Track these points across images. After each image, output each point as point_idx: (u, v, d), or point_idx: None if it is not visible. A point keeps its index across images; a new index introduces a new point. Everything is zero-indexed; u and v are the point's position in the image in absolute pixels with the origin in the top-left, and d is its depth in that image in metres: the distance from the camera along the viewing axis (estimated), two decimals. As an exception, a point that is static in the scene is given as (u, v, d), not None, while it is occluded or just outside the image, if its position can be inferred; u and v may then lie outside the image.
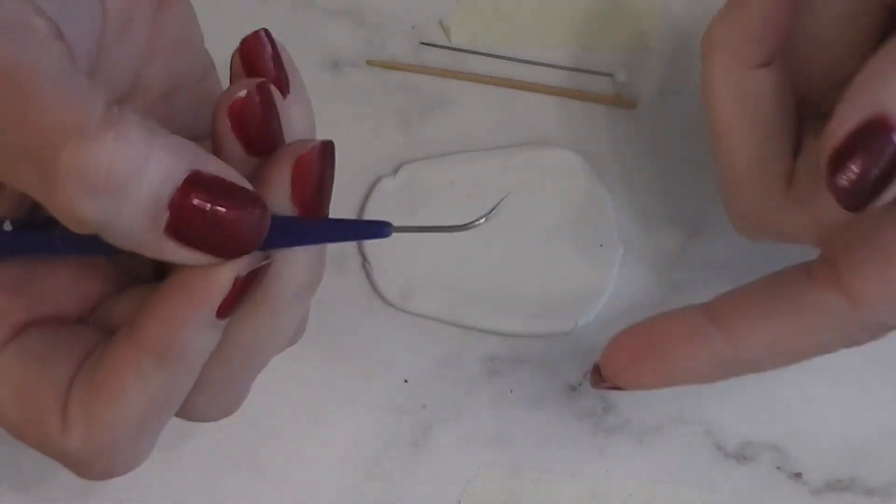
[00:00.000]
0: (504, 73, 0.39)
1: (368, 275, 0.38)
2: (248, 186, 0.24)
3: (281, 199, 0.24)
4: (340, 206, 0.38)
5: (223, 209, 0.23)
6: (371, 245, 0.38)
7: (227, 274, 0.23)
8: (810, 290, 0.29)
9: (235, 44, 0.38)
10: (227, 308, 0.24)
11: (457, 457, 0.38)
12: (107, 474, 0.26)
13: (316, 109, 0.39)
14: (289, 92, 0.26)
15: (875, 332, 0.29)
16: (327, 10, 0.39)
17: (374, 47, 0.39)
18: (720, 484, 0.38)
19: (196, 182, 0.22)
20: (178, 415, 0.27)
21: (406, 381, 0.38)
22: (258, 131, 0.25)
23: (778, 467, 0.38)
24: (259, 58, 0.26)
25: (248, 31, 0.39)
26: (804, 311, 0.29)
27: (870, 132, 0.25)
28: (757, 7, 0.29)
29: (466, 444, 0.38)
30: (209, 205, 0.23)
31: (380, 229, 0.25)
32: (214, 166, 0.23)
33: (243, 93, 0.24)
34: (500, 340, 0.38)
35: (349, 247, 0.38)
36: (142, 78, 0.28)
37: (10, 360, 0.25)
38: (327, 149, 0.25)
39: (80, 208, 0.21)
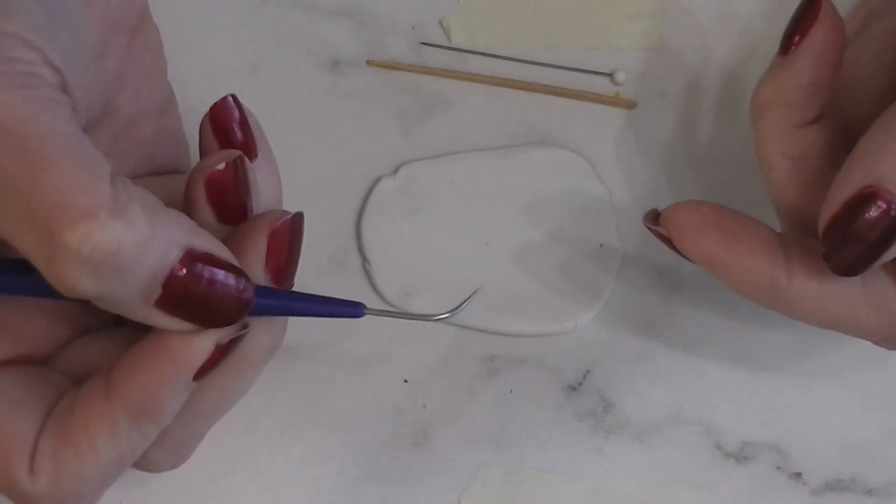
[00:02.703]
0: (504, 73, 0.39)
1: (368, 275, 0.38)
2: (236, 261, 0.25)
3: (255, 268, 0.26)
4: (341, 206, 0.38)
5: (213, 285, 0.24)
6: (371, 245, 0.38)
7: (209, 341, 0.25)
8: (878, 273, 0.29)
9: (237, 45, 0.39)
10: (205, 371, 0.25)
11: (457, 457, 0.38)
12: None
13: (316, 109, 0.39)
14: (256, 155, 0.28)
15: None
16: (327, 10, 0.39)
17: (374, 47, 0.39)
18: (720, 484, 0.38)
19: (190, 259, 0.24)
20: (133, 465, 0.27)
21: (406, 381, 0.38)
22: (232, 202, 0.26)
23: (778, 467, 0.38)
24: (228, 124, 0.27)
25: (249, 31, 0.39)
26: (867, 288, 0.29)
27: (863, 203, 0.26)
28: (804, 67, 0.30)
29: (466, 444, 0.38)
30: (201, 281, 0.24)
31: (353, 310, 0.27)
32: (206, 243, 0.24)
33: (221, 166, 0.26)
34: (500, 340, 0.38)
35: (349, 247, 0.38)
36: (111, 106, 0.29)
37: None
38: (297, 221, 0.27)
39: (80, 285, 0.22)
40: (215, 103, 0.27)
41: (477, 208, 0.38)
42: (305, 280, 0.38)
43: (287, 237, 0.26)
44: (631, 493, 0.38)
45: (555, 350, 0.38)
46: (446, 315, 0.29)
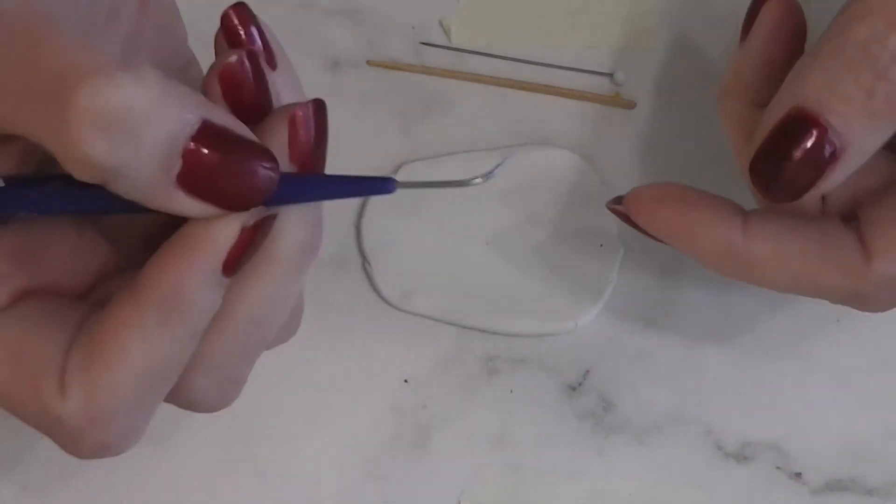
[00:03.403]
0: (504, 73, 0.39)
1: (368, 275, 0.38)
2: (257, 139, 0.23)
3: (279, 155, 0.24)
4: (341, 206, 0.38)
5: (234, 158, 0.23)
6: (371, 245, 0.38)
7: (233, 225, 0.23)
8: (837, 230, 0.30)
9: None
10: (233, 263, 0.24)
11: (457, 457, 0.38)
12: (100, 447, 0.25)
13: (316, 109, 0.39)
14: (276, 65, 0.26)
15: (879, 288, 0.30)
16: (327, 10, 0.39)
17: (374, 47, 0.39)
18: (720, 484, 0.38)
19: (209, 132, 0.22)
20: (176, 402, 0.26)
21: (406, 381, 0.38)
22: (248, 96, 0.25)
23: (778, 467, 0.38)
24: (244, 31, 0.26)
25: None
26: (824, 243, 0.29)
27: (789, 125, 0.27)
28: (757, 47, 0.31)
29: (466, 444, 0.38)
30: (222, 155, 0.22)
31: (384, 185, 0.25)
32: (226, 119, 0.23)
33: (233, 58, 0.24)
34: (500, 340, 0.38)
35: (349, 247, 0.38)
36: None
37: (5, 325, 0.24)
38: (320, 106, 0.25)
39: (95, 150, 0.21)
40: (226, 11, 0.26)
41: (477, 208, 0.38)
42: (306, 280, 0.38)
43: (310, 122, 0.25)
44: (631, 493, 0.38)
45: (555, 350, 0.38)
46: (479, 181, 0.27)
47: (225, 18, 0.26)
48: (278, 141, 0.24)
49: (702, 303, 0.38)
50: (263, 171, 0.23)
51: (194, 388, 0.26)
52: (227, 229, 0.23)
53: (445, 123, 0.39)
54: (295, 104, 0.25)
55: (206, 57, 0.27)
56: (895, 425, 0.38)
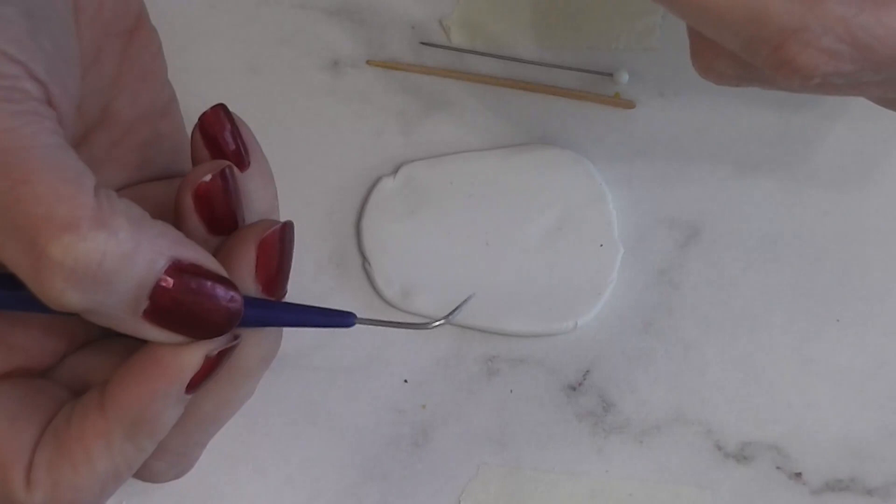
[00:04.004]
0: (504, 73, 0.39)
1: (368, 275, 0.38)
2: (224, 272, 0.25)
3: (245, 278, 0.26)
4: (341, 206, 0.38)
5: (201, 295, 0.24)
6: (371, 245, 0.38)
7: (198, 353, 0.25)
8: None
9: (237, 45, 0.39)
10: (196, 384, 0.25)
11: (457, 457, 0.38)
12: None
13: (316, 109, 0.39)
14: (249, 164, 0.27)
15: (824, 29, 0.25)
16: (327, 10, 0.39)
17: (374, 47, 0.39)
18: (720, 484, 0.38)
19: (176, 270, 0.23)
20: (135, 476, 0.27)
21: (406, 381, 0.38)
22: (221, 213, 0.26)
23: (778, 467, 0.38)
24: (219, 133, 0.27)
25: (249, 31, 0.39)
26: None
27: None
28: None
29: (466, 444, 0.38)
30: (188, 293, 0.24)
31: (344, 320, 0.27)
32: (193, 253, 0.24)
33: (208, 177, 0.25)
34: (500, 340, 0.38)
35: (349, 247, 0.38)
36: (109, 110, 0.29)
37: None
38: (287, 230, 0.26)
39: (66, 298, 0.22)
40: (204, 113, 0.27)
41: (477, 208, 0.38)
42: (305, 280, 0.38)
43: (277, 247, 0.26)
44: (631, 493, 0.38)
45: (555, 350, 0.38)
46: (440, 323, 0.29)
47: (203, 121, 0.27)
48: (246, 263, 0.26)
49: (702, 303, 0.38)
50: (228, 305, 0.24)
51: (154, 471, 0.28)
52: (191, 358, 0.25)
53: (445, 123, 0.39)
54: (265, 224, 0.26)
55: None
56: (895, 425, 0.38)
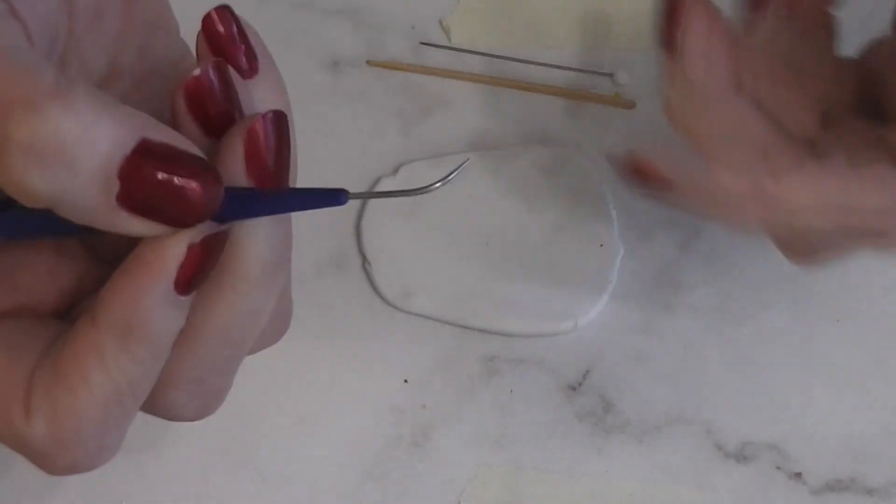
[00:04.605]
0: (504, 73, 0.39)
1: (368, 275, 0.38)
2: (200, 154, 0.23)
3: (237, 172, 0.24)
4: (342, 207, 0.38)
5: (174, 177, 0.22)
6: (371, 245, 0.38)
7: (179, 242, 0.23)
8: (864, 152, 0.29)
9: (235, 44, 0.38)
10: (186, 282, 0.23)
11: (457, 457, 0.38)
12: (71, 467, 0.25)
13: (316, 109, 0.39)
14: (256, 70, 0.26)
15: None
16: (327, 10, 0.39)
17: (374, 47, 0.39)
18: (720, 484, 0.38)
19: (145, 150, 0.22)
20: (155, 412, 0.26)
21: (406, 381, 0.38)
22: (214, 112, 0.25)
23: (778, 467, 0.38)
24: (224, 35, 0.26)
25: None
26: (863, 172, 0.28)
27: None
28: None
29: (466, 444, 0.38)
30: (159, 173, 0.22)
31: (335, 197, 0.25)
32: (164, 134, 0.23)
33: (196, 72, 0.24)
34: (500, 340, 0.38)
35: (349, 247, 0.38)
36: (116, 64, 0.28)
37: None
38: (278, 118, 0.25)
39: (30, 180, 0.21)
40: (208, 13, 0.26)
41: (477, 208, 0.38)
42: (305, 280, 0.38)
43: (265, 136, 0.24)
44: (631, 493, 0.38)
45: (555, 350, 0.38)
46: (436, 185, 0.27)
47: (206, 21, 0.26)
48: (235, 155, 0.24)
49: (702, 303, 0.38)
50: (205, 188, 0.23)
51: (170, 402, 0.26)
52: (173, 249, 0.23)
53: (445, 123, 0.39)
54: (254, 116, 0.25)
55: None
56: (895, 425, 0.38)
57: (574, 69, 0.39)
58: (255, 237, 0.25)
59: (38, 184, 0.21)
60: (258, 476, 0.37)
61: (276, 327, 0.28)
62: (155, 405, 0.26)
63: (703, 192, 0.30)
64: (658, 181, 0.31)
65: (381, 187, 0.38)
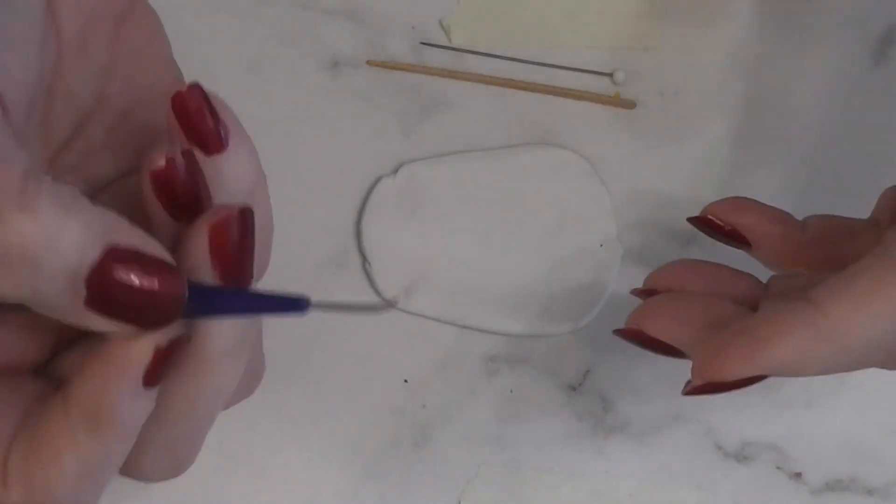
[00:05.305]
0: (504, 73, 0.39)
1: (368, 275, 0.38)
2: (167, 258, 0.24)
3: (202, 266, 0.24)
4: (341, 206, 0.38)
5: (141, 284, 0.23)
6: (371, 245, 0.38)
7: (146, 345, 0.24)
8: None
9: (236, 44, 0.39)
10: (153, 377, 0.24)
11: (457, 457, 0.38)
12: None
13: (316, 109, 0.39)
14: (226, 144, 0.26)
15: None
16: (327, 10, 0.39)
17: (374, 47, 0.39)
18: (720, 484, 0.38)
19: (113, 257, 0.23)
20: (126, 475, 0.27)
21: (406, 381, 0.38)
22: (181, 198, 0.25)
23: (778, 467, 0.38)
24: (194, 114, 0.26)
25: (249, 31, 0.39)
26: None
27: None
28: None
29: (466, 444, 0.38)
30: (126, 278, 0.23)
31: (297, 305, 0.25)
32: (132, 238, 0.23)
33: (162, 162, 0.24)
34: (500, 340, 0.38)
35: (349, 247, 0.38)
36: (103, 96, 0.28)
37: None
38: (244, 215, 0.25)
39: None
40: (177, 92, 0.26)
41: (477, 208, 0.38)
42: (306, 280, 0.38)
43: (230, 232, 0.24)
44: (631, 493, 0.38)
45: (555, 350, 0.38)
46: (398, 302, 0.27)
47: (176, 99, 0.26)
48: (200, 250, 0.24)
49: (702, 303, 0.38)
50: (170, 292, 0.23)
51: (141, 468, 0.27)
52: (140, 350, 0.24)
53: (445, 123, 0.39)
54: (220, 210, 0.25)
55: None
56: (895, 425, 0.38)
57: (574, 69, 0.39)
58: (217, 328, 0.25)
59: (3, 287, 0.22)
60: (259, 476, 0.37)
61: (246, 386, 0.29)
62: (126, 469, 0.27)
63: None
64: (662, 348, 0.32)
65: (381, 187, 0.38)
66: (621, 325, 0.33)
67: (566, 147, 0.39)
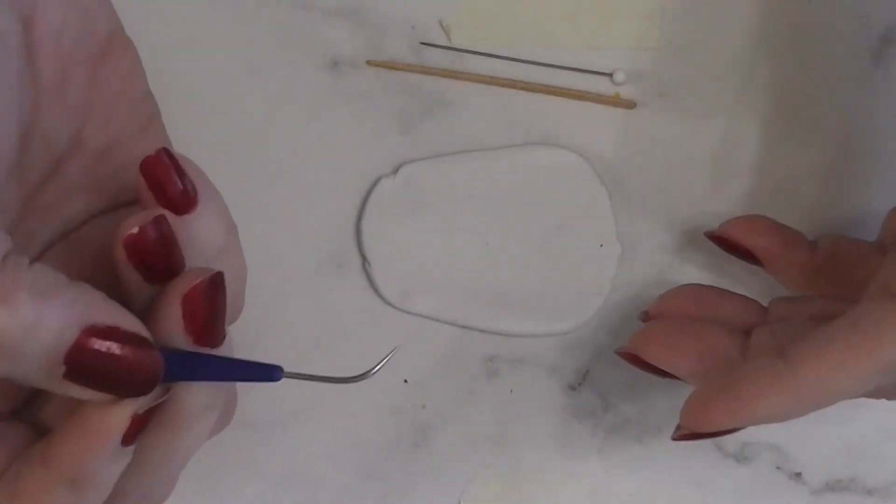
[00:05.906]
0: (504, 73, 0.39)
1: (368, 275, 0.38)
2: (144, 333, 0.25)
3: (174, 331, 0.25)
4: (341, 206, 0.38)
5: (117, 359, 0.24)
6: (371, 245, 0.38)
7: (124, 412, 0.25)
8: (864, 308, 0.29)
9: (235, 45, 0.39)
10: (130, 439, 0.25)
11: (457, 457, 0.38)
12: None
13: (316, 109, 0.39)
14: (196, 205, 0.27)
15: None
16: (327, 10, 0.39)
17: (374, 47, 0.39)
18: (720, 484, 0.38)
19: (90, 336, 0.24)
20: None
21: (406, 381, 0.38)
22: (154, 264, 0.26)
23: (778, 467, 0.38)
24: (163, 177, 0.26)
25: (249, 31, 0.39)
26: (859, 321, 0.28)
27: None
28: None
29: (466, 444, 0.38)
30: (103, 354, 0.24)
31: (270, 373, 0.27)
32: (110, 316, 0.24)
33: (135, 230, 0.25)
34: (500, 340, 0.38)
35: (349, 247, 0.38)
36: (80, 137, 0.28)
37: None
38: (215, 281, 0.26)
39: None
40: (146, 157, 0.26)
41: (477, 208, 0.38)
42: (306, 280, 0.38)
43: (202, 299, 0.26)
44: (631, 493, 0.38)
45: (555, 350, 0.38)
46: (372, 372, 0.29)
47: (145, 164, 0.26)
48: (172, 316, 0.25)
49: (702, 303, 0.38)
50: (147, 366, 0.24)
51: None
52: (118, 417, 0.25)
53: (445, 123, 0.39)
54: (192, 275, 0.26)
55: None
56: (895, 425, 0.38)
57: (574, 69, 0.39)
58: (192, 390, 0.26)
59: None
60: (259, 476, 0.37)
61: (219, 425, 0.30)
62: None
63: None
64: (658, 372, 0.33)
65: (381, 187, 0.38)
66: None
67: (566, 147, 0.39)
